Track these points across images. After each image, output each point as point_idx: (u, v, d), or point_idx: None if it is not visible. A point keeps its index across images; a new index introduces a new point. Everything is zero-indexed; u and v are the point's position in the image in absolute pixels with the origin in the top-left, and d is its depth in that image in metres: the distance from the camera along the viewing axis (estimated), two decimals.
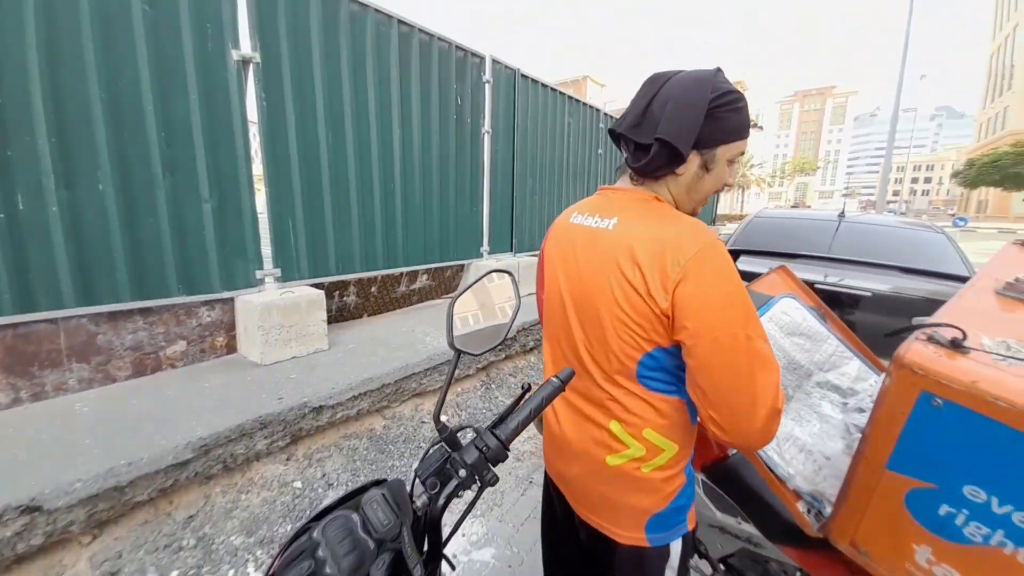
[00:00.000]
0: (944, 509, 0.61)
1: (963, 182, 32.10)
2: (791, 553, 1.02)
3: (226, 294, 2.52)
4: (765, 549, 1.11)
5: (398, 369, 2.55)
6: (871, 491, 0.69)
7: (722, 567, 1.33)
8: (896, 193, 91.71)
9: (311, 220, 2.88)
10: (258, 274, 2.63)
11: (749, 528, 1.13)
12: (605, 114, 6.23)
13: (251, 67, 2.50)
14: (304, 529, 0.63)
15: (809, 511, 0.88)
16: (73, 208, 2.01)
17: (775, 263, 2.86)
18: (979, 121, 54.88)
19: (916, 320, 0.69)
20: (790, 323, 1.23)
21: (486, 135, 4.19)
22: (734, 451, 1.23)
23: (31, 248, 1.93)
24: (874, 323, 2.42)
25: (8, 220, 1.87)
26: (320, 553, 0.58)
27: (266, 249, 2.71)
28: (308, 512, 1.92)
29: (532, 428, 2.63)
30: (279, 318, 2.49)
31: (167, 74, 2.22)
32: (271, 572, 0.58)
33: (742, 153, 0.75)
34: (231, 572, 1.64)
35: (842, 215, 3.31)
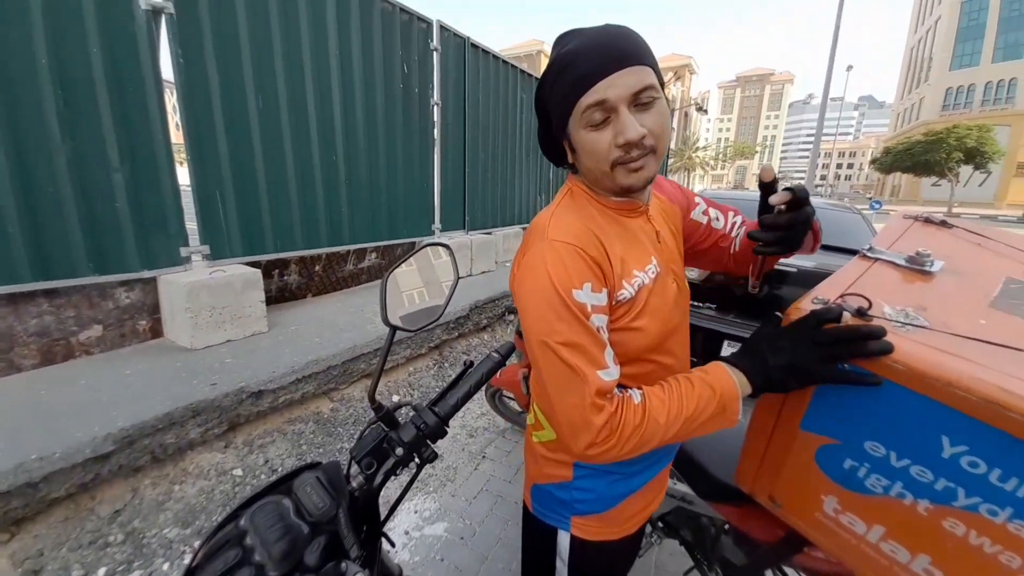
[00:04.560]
0: (848, 463, 0.66)
1: (879, 168, 35.04)
2: (720, 509, 1.10)
3: (146, 273, 2.30)
4: (697, 506, 1.20)
5: (345, 351, 2.46)
6: (787, 450, 0.74)
7: (660, 524, 1.43)
8: (823, 178, 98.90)
9: (242, 194, 2.66)
10: (183, 251, 2.42)
11: (683, 488, 1.21)
12: None
13: (163, 18, 2.23)
14: (231, 517, 0.59)
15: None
16: None
17: None
18: (896, 111, 59.86)
19: (822, 294, 0.74)
20: None
21: (435, 107, 4.03)
22: None
23: None
24: (800, 296, 2.62)
25: None
26: (248, 540, 0.55)
27: (192, 225, 2.49)
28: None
29: (486, 405, 2.65)
30: (209, 299, 2.32)
31: (61, 23, 1.93)
32: (194, 565, 0.54)
33: (600, 102, 0.60)
34: (166, 565, 1.56)
35: None
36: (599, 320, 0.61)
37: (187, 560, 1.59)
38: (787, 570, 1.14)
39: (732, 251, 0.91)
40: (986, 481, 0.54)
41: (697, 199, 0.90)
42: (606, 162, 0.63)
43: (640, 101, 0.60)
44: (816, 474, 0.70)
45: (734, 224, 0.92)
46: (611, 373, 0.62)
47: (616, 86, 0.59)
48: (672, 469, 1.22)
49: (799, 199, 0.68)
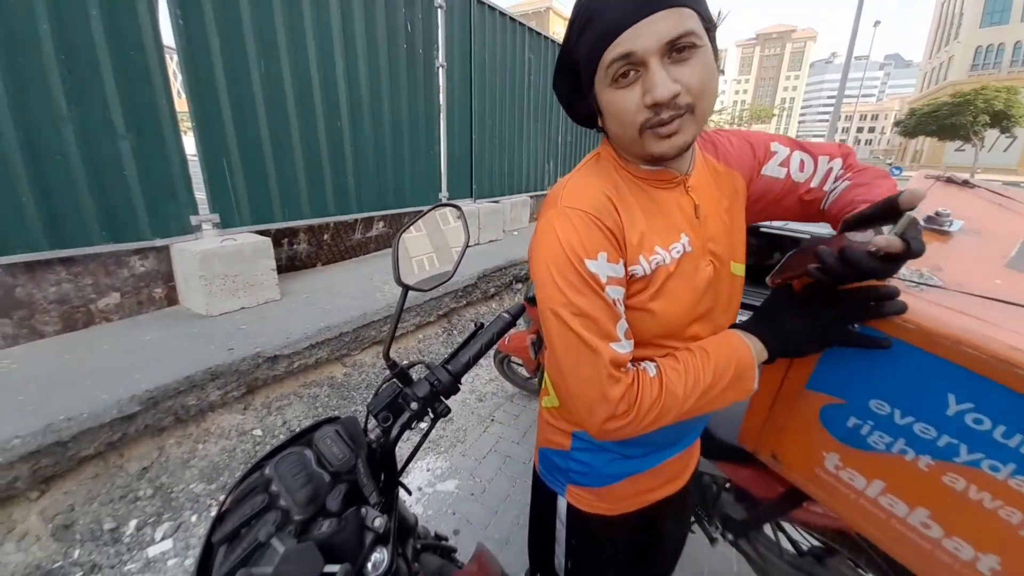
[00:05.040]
0: (852, 421, 0.67)
1: (903, 131, 33.57)
2: (721, 467, 1.14)
3: (159, 242, 2.33)
4: (699, 465, 1.24)
5: (356, 318, 2.50)
6: (791, 409, 0.76)
7: None
8: (842, 142, 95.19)
9: (248, 162, 2.64)
10: (193, 220, 2.43)
11: None
12: None
13: None
14: (256, 467, 0.63)
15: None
16: None
17: None
18: (923, 71, 56.81)
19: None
20: None
21: (440, 69, 3.91)
22: None
23: None
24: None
25: None
26: (274, 487, 0.58)
27: (202, 195, 2.49)
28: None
29: (494, 371, 2.71)
30: (222, 267, 2.35)
31: None
32: (223, 510, 0.58)
33: (626, 55, 0.51)
34: (194, 517, 1.65)
35: None
36: (615, 292, 0.57)
37: (214, 512, 1.70)
38: (784, 524, 1.19)
39: (822, 208, 0.76)
40: (989, 438, 0.55)
41: (774, 147, 0.76)
42: (633, 126, 0.54)
43: (677, 48, 0.50)
44: (819, 432, 0.72)
45: (828, 173, 0.76)
46: (624, 346, 0.58)
47: (645, 35, 0.49)
48: None
49: (908, 254, 0.50)
